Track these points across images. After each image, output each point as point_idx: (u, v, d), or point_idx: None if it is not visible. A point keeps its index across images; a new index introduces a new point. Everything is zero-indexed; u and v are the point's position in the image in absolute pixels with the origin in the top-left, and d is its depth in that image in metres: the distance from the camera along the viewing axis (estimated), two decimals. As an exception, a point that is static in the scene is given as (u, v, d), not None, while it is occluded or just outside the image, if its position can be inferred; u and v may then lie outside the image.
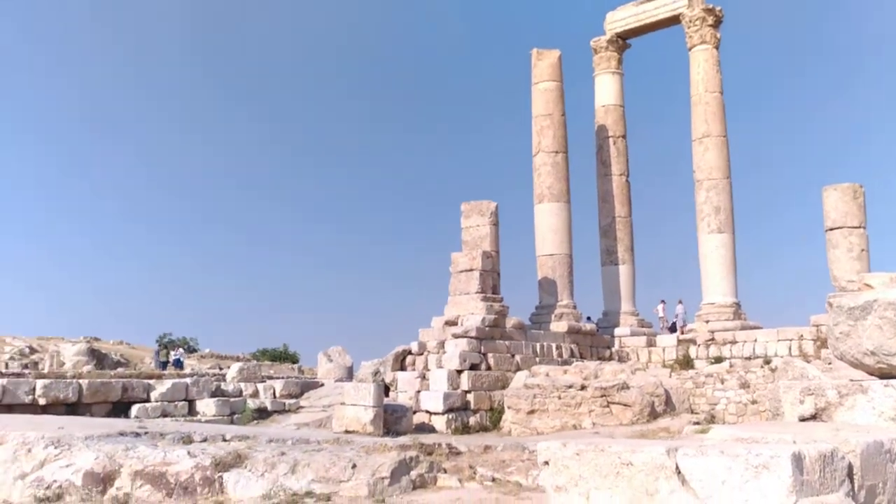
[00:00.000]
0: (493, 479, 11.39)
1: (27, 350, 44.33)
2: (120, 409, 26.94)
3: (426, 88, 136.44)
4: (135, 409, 26.89)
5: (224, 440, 13.73)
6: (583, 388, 24.04)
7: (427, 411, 24.77)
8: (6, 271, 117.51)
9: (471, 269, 28.39)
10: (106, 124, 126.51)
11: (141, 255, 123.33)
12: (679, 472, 5.91)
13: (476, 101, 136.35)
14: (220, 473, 10.77)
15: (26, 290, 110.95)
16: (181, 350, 44.20)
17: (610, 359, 30.93)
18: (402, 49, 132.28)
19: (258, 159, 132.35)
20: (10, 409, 24.83)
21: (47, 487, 10.98)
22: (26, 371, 33.75)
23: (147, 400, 27.62)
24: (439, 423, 24.15)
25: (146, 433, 13.93)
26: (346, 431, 21.29)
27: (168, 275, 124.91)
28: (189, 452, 11.27)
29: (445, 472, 11.38)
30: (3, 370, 34.33)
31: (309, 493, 9.59)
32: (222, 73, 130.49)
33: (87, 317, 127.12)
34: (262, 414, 28.98)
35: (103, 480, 11.02)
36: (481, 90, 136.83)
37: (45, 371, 35.18)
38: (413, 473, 10.55)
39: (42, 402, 25.51)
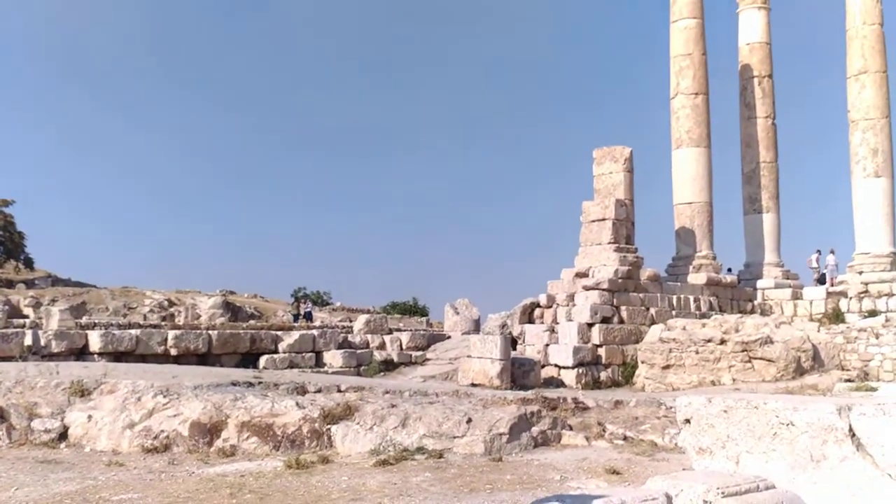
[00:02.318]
0: (625, 438, 10.33)
1: (165, 303, 45.58)
2: (249, 360, 27.09)
3: (558, 30, 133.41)
4: (263, 360, 26.99)
5: (339, 391, 13.13)
6: (722, 342, 22.52)
7: (556, 365, 23.77)
8: (145, 227, 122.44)
9: (603, 219, 27.05)
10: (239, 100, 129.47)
11: (278, 212, 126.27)
12: (853, 436, 4.74)
13: (609, 43, 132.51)
14: (328, 426, 10.11)
15: (165, 246, 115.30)
16: (310, 303, 44.58)
17: (752, 312, 29.06)
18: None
19: (393, 114, 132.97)
20: (144, 358, 25.27)
21: (155, 437, 10.59)
22: (163, 323, 34.56)
23: (275, 351, 27.68)
24: (568, 377, 23.12)
25: (260, 383, 13.48)
26: (473, 385, 20.64)
27: (303, 229, 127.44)
28: (297, 403, 10.66)
29: (571, 428, 10.40)
30: (142, 322, 35.27)
31: (420, 449, 8.82)
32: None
33: (224, 271, 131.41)
34: (388, 366, 28.66)
35: (210, 431, 10.54)
36: (614, 30, 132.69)
37: (181, 323, 35.96)
38: (534, 430, 9.62)
39: (174, 352, 25.85)
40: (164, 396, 11.27)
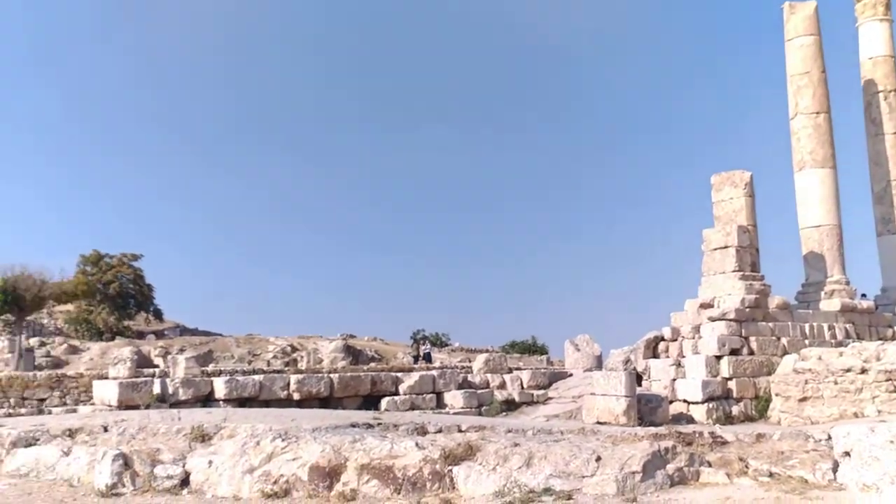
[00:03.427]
0: (771, 475, 9.53)
1: (288, 349, 46.29)
2: (370, 402, 26.99)
3: (668, 52, 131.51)
4: (384, 402, 26.85)
5: (460, 431, 12.72)
6: (863, 371, 21.06)
7: (684, 401, 22.78)
8: (268, 277, 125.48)
9: (725, 247, 25.96)
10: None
11: (396, 255, 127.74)
12: None
13: (720, 65, 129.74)
14: (449, 467, 9.70)
15: (287, 294, 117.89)
16: (429, 344, 44.49)
17: (893, 339, 27.26)
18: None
19: (507, 163, 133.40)
20: (268, 403, 25.48)
21: (274, 482, 10.40)
22: (286, 368, 34.98)
23: (396, 393, 27.52)
24: (698, 412, 22.08)
25: (379, 424, 13.20)
26: (598, 423, 19.95)
27: (421, 272, 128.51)
28: (417, 444, 10.30)
29: (709, 465, 9.67)
30: (265, 368, 35.81)
31: (547, 490, 8.30)
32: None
33: (344, 316, 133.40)
34: (509, 406, 28.11)
35: (329, 475, 10.27)
36: (726, 52, 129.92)
37: (303, 367, 36.34)
38: (669, 467, 8.96)
39: (296, 396, 25.99)
40: (283, 440, 11.10)
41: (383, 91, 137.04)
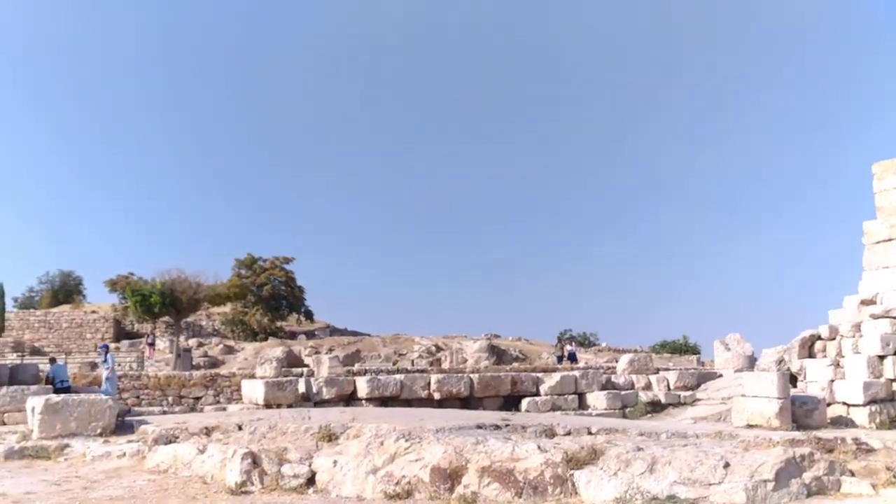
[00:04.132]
0: (924, 486, 8.68)
1: (433, 348, 46.60)
2: (511, 402, 26.75)
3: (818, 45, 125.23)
4: (525, 402, 26.55)
5: (589, 433, 12.30)
6: None
7: (844, 403, 21.43)
8: (414, 277, 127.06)
9: (889, 239, 24.40)
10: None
11: (543, 257, 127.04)
12: None
13: (867, 50, 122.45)
14: (571, 471, 9.32)
15: (433, 294, 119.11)
16: (574, 344, 43.80)
17: None
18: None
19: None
20: (409, 403, 25.64)
21: (396, 483, 10.29)
22: (430, 368, 35.18)
23: (536, 394, 27.17)
24: (860, 416, 20.71)
25: (507, 426, 12.93)
26: (749, 426, 19.01)
27: (568, 271, 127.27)
28: (539, 447, 9.95)
29: (852, 474, 8.87)
30: (409, 367, 36.14)
31: (671, 498, 7.80)
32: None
33: (489, 316, 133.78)
34: (655, 407, 27.26)
35: (450, 476, 10.07)
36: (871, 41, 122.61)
37: (447, 367, 36.46)
38: (806, 476, 8.24)
39: (437, 396, 26.04)
40: (406, 440, 10.99)
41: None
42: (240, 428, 13.56)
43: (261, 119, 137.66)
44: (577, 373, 28.43)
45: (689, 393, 28.14)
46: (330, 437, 12.17)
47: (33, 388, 20.16)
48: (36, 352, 44.67)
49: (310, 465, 11.28)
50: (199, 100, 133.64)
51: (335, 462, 11.11)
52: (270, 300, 55.45)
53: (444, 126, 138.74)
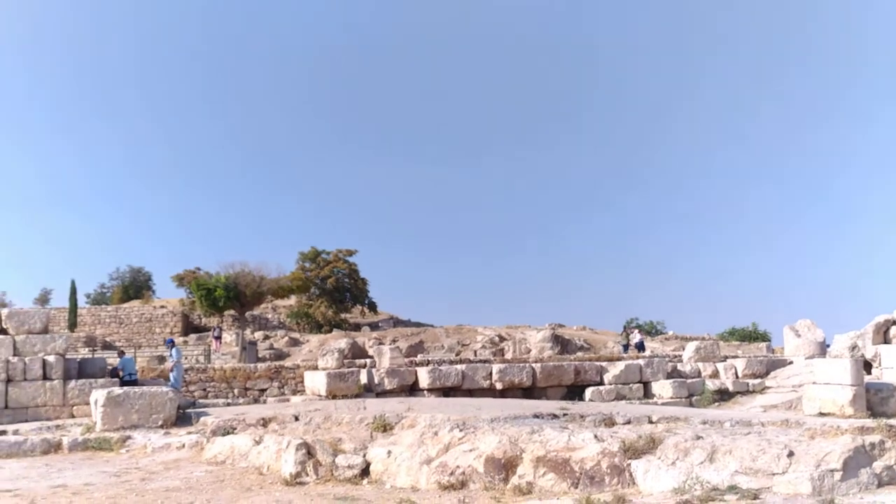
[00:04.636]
0: None
1: (496, 338, 46.32)
2: (574, 392, 26.44)
3: None
4: (588, 392, 26.22)
5: (650, 422, 11.97)
6: None
7: (921, 390, 20.65)
8: (477, 267, 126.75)
9: (967, 219, 23.40)
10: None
11: (609, 243, 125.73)
12: None
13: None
14: (629, 461, 9.02)
15: (497, 284, 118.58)
16: (637, 331, 43.05)
17: None
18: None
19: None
20: (471, 393, 25.50)
21: (451, 473, 10.11)
22: (493, 358, 34.97)
23: (600, 383, 26.82)
24: (937, 404, 19.93)
25: (565, 415, 12.67)
26: (821, 414, 18.46)
27: (635, 261, 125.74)
28: (596, 436, 9.67)
29: (928, 464, 8.42)
30: (472, 357, 35.97)
31: (732, 488, 7.45)
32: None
33: (554, 305, 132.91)
34: (722, 395, 26.67)
35: (505, 467, 9.87)
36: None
37: (509, 357, 36.20)
38: (877, 465, 7.81)
39: (499, 386, 25.86)
40: (460, 430, 10.80)
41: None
42: (296, 419, 13.54)
43: (323, 111, 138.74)
44: (641, 361, 27.97)
45: (757, 381, 27.47)
46: (384, 427, 12.05)
47: (101, 381, 20.47)
48: (107, 346, 45.56)
49: (364, 456, 11.18)
50: (262, 93, 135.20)
51: (389, 452, 10.98)
52: (334, 292, 55.77)
53: (509, 118, 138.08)
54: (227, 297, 40.08)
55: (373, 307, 58.87)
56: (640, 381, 26.99)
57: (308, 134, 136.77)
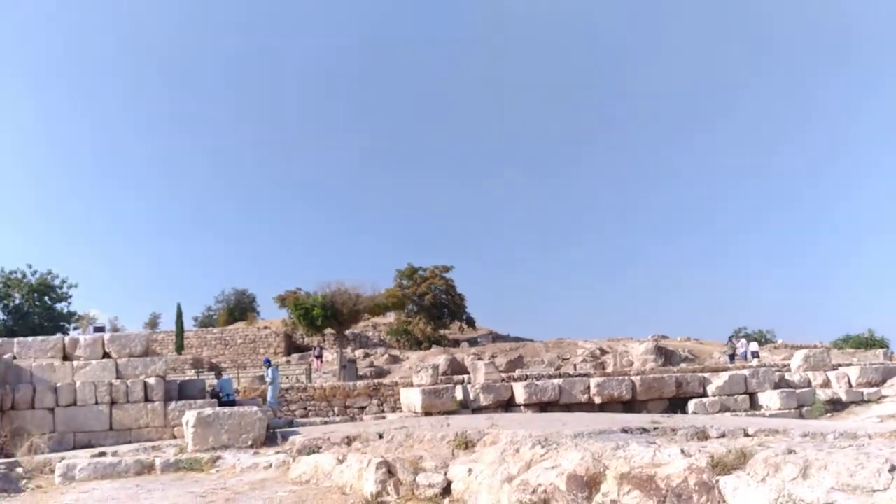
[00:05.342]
0: None
1: (597, 352, 45.52)
2: (676, 404, 25.66)
3: None
4: (691, 404, 25.39)
5: (746, 435, 11.32)
6: None
7: None
8: (578, 277, 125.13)
9: None
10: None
11: (713, 252, 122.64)
12: None
13: None
14: (717, 477, 8.47)
15: (598, 297, 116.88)
16: (743, 341, 41.61)
17: None
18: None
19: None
20: (569, 408, 25.01)
21: (532, 492, 9.71)
22: (593, 371, 34.31)
23: (703, 395, 25.93)
24: None
25: (656, 429, 12.12)
26: (944, 423, 17.31)
27: (742, 269, 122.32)
28: (683, 451, 9.13)
29: None
30: (571, 372, 35.32)
31: (829, 507, 6.89)
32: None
33: (657, 316, 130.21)
34: (835, 406, 25.44)
35: (588, 484, 9.41)
36: None
37: (610, 370, 35.44)
38: None
39: (597, 400, 25.29)
40: (542, 447, 10.40)
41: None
42: (380, 436, 13.37)
43: (416, 132, 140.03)
44: (746, 372, 26.94)
45: (873, 390, 26.13)
46: (466, 444, 11.75)
47: (200, 402, 20.79)
48: (213, 368, 46.61)
49: (445, 474, 10.89)
50: (358, 114, 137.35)
51: (470, 470, 10.66)
52: (432, 309, 55.89)
53: (606, 125, 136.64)
54: (325, 315, 40.58)
55: (471, 323, 58.74)
56: (745, 393, 25.98)
57: (400, 153, 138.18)
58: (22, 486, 14.13)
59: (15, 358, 20.54)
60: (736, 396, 25.81)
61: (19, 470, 15.44)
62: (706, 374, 26.86)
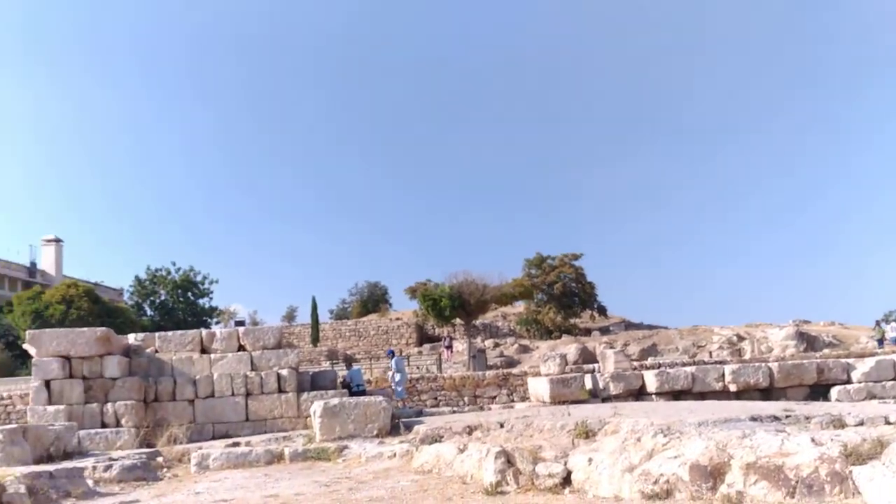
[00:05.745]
0: None
1: (734, 338, 44.06)
2: (818, 392, 24.52)
3: None
4: (834, 391, 24.22)
5: (887, 423, 10.67)
6: None
7: None
8: (715, 262, 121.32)
9: None
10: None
11: (857, 231, 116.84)
12: None
13: None
14: (851, 467, 7.99)
15: (734, 282, 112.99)
16: (893, 324, 39.36)
17: None
18: None
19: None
20: (703, 396, 24.31)
21: (654, 482, 9.41)
22: (729, 359, 33.30)
23: (847, 381, 24.65)
24: None
25: (788, 417, 11.57)
26: None
27: (890, 247, 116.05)
28: (813, 440, 8.66)
29: None
30: (707, 359, 34.34)
31: (974, 500, 6.32)
32: None
33: (798, 300, 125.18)
34: None
35: (712, 474, 9.05)
36: None
37: (748, 357, 34.28)
38: None
39: (732, 388, 24.46)
40: (664, 436, 10.06)
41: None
42: (501, 426, 13.26)
43: (542, 117, 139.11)
44: (895, 356, 25.45)
45: None
46: (586, 433, 11.51)
47: (330, 392, 21.23)
48: (347, 359, 47.63)
49: (565, 464, 10.68)
50: (490, 103, 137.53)
51: (590, 460, 10.42)
52: (562, 297, 55.35)
53: (742, 107, 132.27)
54: (452, 306, 40.79)
55: (602, 311, 57.90)
56: (894, 379, 24.54)
57: (525, 144, 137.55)
58: (160, 475, 14.74)
59: (157, 352, 21.47)
60: (884, 383, 24.43)
61: (159, 459, 16.14)
62: (850, 360, 25.53)
